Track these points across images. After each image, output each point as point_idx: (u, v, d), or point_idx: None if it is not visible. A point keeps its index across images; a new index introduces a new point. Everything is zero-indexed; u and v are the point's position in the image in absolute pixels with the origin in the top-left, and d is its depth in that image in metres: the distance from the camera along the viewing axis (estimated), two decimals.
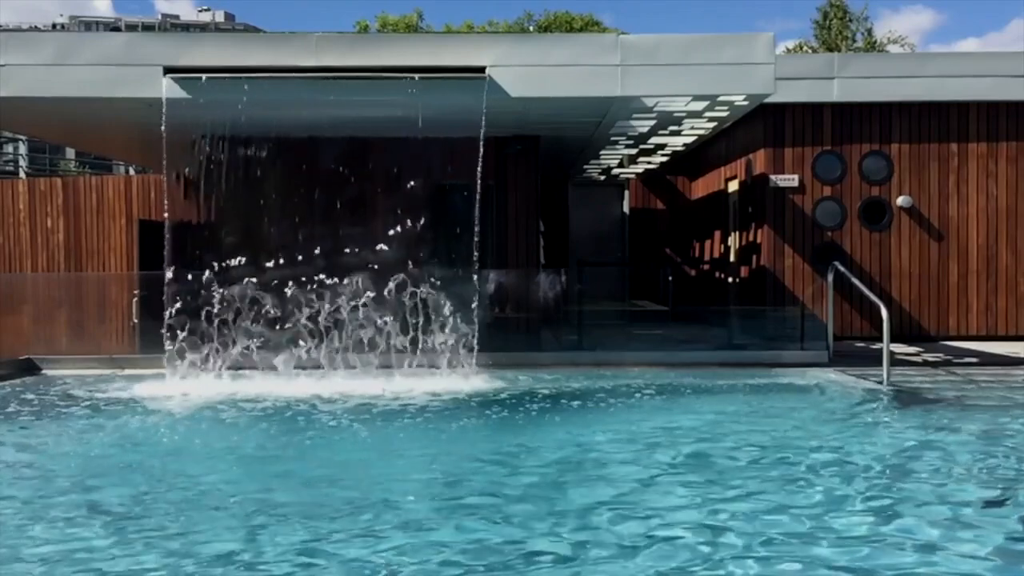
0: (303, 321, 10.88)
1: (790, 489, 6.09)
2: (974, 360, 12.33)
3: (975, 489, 6.09)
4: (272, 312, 10.89)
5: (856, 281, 12.21)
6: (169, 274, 11.20)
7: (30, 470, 6.91)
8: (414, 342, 10.99)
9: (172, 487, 6.29)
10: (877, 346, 11.72)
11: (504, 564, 4.67)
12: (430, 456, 7.22)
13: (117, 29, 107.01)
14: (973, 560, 4.79)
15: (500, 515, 5.48)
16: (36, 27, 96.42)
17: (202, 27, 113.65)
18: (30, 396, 10.10)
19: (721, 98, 12.00)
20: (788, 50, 38.82)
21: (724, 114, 13.20)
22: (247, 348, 10.79)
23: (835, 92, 14.72)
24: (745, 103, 12.39)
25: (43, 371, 11.72)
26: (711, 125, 14.20)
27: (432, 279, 11.17)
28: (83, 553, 4.92)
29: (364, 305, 10.97)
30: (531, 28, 50.66)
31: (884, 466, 6.83)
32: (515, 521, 5.34)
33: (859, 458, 7.01)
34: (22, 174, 72.20)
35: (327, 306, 10.92)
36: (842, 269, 12.20)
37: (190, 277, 11.05)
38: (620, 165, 18.79)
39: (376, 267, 11.31)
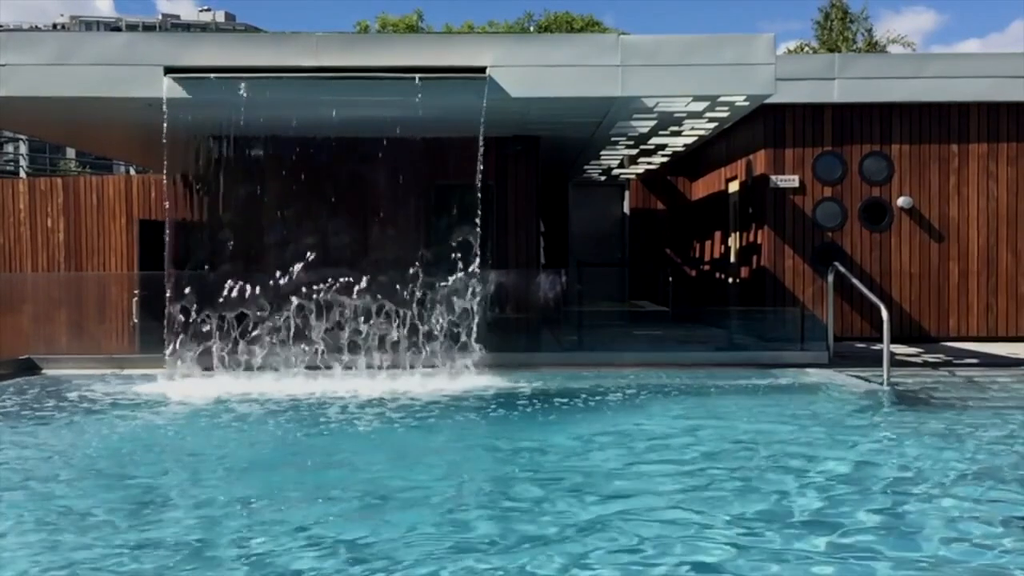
0: (302, 321, 10.87)
1: (788, 489, 6.09)
2: (974, 361, 12.32)
3: (977, 489, 6.09)
4: (272, 312, 10.89)
5: (856, 282, 12.21)
6: (170, 274, 11.21)
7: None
8: (414, 342, 11.00)
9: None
10: (877, 347, 11.71)
11: None
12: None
13: (118, 29, 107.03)
14: (976, 559, 4.79)
15: None
16: (36, 27, 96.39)
17: (202, 27, 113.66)
18: (44, 395, 10.10)
19: (722, 99, 11.99)
20: (789, 51, 38.78)
21: (725, 115, 13.19)
22: (247, 348, 10.79)
23: (836, 93, 14.71)
24: (746, 104, 12.38)
25: (43, 371, 11.72)
26: (711, 126, 14.19)
27: (432, 279, 11.17)
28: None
29: (364, 305, 10.97)
30: (531, 28, 50.65)
31: (884, 466, 6.82)
32: None
33: (859, 458, 7.00)
34: (22, 174, 72.23)
35: (326, 306, 10.93)
36: (842, 270, 12.20)
37: (190, 277, 11.05)
38: (620, 166, 18.79)
39: (376, 267, 11.32)
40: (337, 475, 6.65)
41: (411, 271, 11.19)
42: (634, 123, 13.78)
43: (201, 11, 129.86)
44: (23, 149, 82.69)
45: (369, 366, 10.88)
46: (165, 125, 11.37)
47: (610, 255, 20.14)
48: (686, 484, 6.30)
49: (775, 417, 8.79)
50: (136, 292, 13.04)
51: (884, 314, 10.56)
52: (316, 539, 5.12)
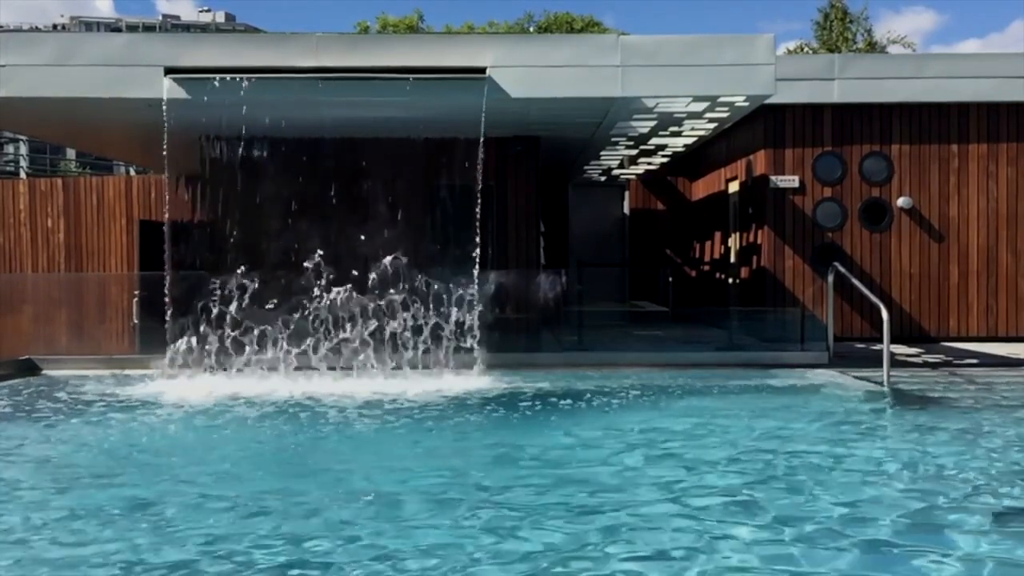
0: (303, 321, 10.88)
1: (786, 489, 6.09)
2: (974, 361, 12.32)
3: (977, 489, 6.09)
4: (272, 312, 10.89)
5: (856, 282, 12.21)
6: (170, 275, 11.21)
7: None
8: (414, 343, 11.00)
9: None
10: (877, 347, 11.71)
11: None
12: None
13: (118, 29, 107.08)
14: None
15: None
16: (36, 27, 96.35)
17: (202, 27, 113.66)
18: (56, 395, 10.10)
19: (722, 99, 11.99)
20: (789, 51, 38.77)
21: (724, 115, 13.19)
22: (247, 349, 10.79)
23: (835, 93, 14.71)
24: (746, 104, 12.38)
25: (43, 371, 11.72)
26: (711, 126, 14.20)
27: (432, 279, 11.17)
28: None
29: (363, 306, 10.97)
30: (531, 29, 50.64)
31: (883, 467, 6.81)
32: None
33: (857, 459, 6.99)
34: (23, 174, 72.20)
35: (327, 306, 10.93)
36: (842, 270, 12.19)
37: (190, 278, 11.05)
38: (620, 166, 18.79)
39: (376, 267, 11.32)
40: (335, 477, 6.63)
41: (411, 272, 11.18)
42: (634, 123, 13.78)
43: (201, 11, 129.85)
44: (23, 149, 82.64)
45: (368, 367, 10.87)
46: (165, 125, 11.37)
47: (610, 255, 20.14)
48: (695, 485, 6.30)
49: (778, 419, 8.76)
50: (136, 293, 13.04)
51: (884, 314, 10.56)
52: (315, 542, 5.12)
